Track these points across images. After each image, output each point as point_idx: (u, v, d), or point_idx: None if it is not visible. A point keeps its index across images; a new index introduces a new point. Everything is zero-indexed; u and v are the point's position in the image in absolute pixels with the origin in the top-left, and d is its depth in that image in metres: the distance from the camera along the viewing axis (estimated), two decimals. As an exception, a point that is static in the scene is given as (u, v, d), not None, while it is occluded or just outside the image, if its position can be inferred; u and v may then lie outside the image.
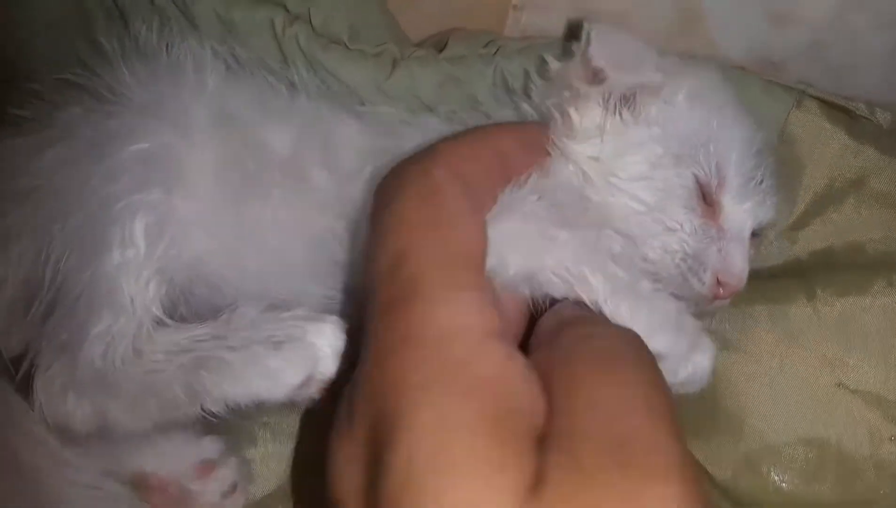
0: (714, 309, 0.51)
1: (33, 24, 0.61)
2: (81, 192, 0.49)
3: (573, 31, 0.55)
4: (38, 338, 0.48)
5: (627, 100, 0.50)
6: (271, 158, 0.54)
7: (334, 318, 0.48)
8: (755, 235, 0.52)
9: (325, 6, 0.58)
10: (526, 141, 0.47)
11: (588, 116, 0.50)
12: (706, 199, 0.49)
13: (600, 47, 0.49)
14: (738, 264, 0.48)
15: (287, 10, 0.58)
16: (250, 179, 0.53)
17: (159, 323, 0.49)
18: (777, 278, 0.57)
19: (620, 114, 0.50)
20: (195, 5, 0.57)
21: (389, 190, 0.40)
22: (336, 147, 0.55)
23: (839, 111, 0.57)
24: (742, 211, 0.50)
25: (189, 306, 0.52)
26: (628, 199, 0.48)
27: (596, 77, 0.50)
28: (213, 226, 0.52)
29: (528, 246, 0.42)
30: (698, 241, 0.48)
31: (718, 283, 0.47)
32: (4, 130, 0.52)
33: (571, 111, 0.50)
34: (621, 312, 0.41)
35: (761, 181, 0.50)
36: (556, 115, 0.50)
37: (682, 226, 0.48)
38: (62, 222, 0.48)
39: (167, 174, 0.51)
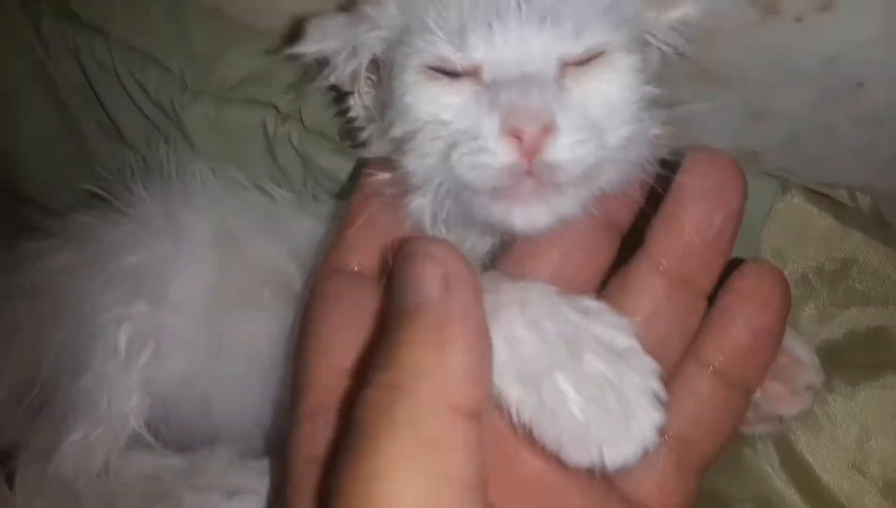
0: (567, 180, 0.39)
1: (27, 143, 0.61)
2: (75, 300, 0.51)
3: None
4: (24, 435, 0.49)
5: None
6: (266, 273, 0.55)
7: None
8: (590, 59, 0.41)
9: (315, 104, 0.59)
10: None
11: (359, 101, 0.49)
12: (450, 71, 0.41)
13: (308, 39, 0.47)
14: (513, 100, 0.38)
15: (278, 111, 0.59)
16: (244, 294, 0.54)
17: (137, 438, 0.50)
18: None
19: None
20: (185, 112, 0.57)
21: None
22: (311, 250, 0.56)
23: (823, 197, 0.59)
24: (498, 51, 0.40)
25: (171, 425, 0.52)
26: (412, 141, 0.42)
27: (323, 66, 0.47)
28: (202, 341, 0.53)
29: None
30: (458, 123, 0.40)
31: (517, 138, 0.37)
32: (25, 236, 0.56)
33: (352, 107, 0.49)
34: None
35: (520, 5, 0.40)
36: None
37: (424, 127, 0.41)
38: (56, 327, 0.51)
39: (156, 287, 0.52)
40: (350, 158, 0.59)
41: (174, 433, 0.53)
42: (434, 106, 0.42)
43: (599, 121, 0.40)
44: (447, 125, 0.41)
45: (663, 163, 0.44)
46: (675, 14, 0.46)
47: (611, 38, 0.42)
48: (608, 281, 0.44)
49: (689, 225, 0.41)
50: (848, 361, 0.56)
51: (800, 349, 0.51)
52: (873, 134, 0.58)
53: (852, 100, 0.56)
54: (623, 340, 0.36)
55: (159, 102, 0.59)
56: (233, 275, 0.55)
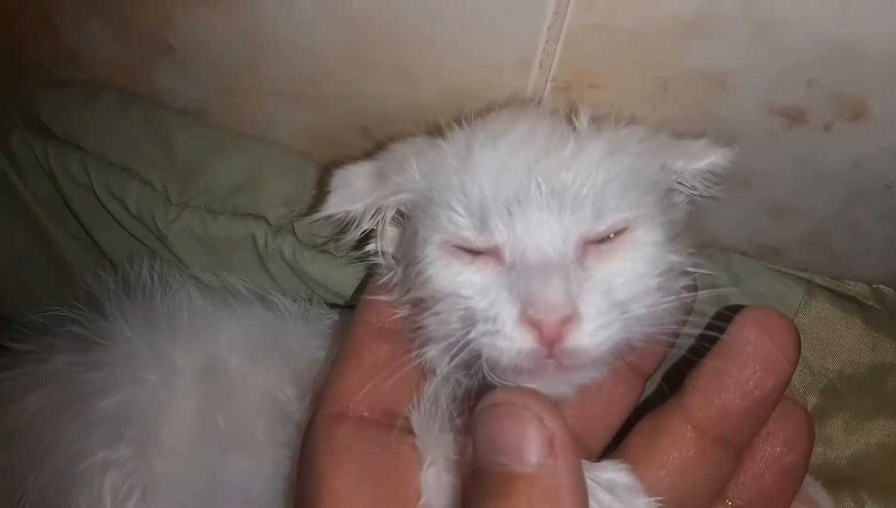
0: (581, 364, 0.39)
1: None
2: (55, 445, 0.48)
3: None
4: None
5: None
6: (259, 403, 0.51)
7: None
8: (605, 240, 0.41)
9: (309, 218, 0.55)
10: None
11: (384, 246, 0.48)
12: (472, 249, 0.42)
13: (333, 201, 0.47)
14: (536, 291, 0.37)
15: (269, 224, 0.55)
16: (235, 431, 0.50)
17: None
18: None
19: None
20: (170, 228, 0.53)
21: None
22: (310, 373, 0.53)
23: (849, 300, 0.56)
24: (518, 235, 0.40)
25: None
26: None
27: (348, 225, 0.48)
28: (193, 482, 0.49)
29: None
30: (478, 301, 0.40)
31: (537, 328, 0.37)
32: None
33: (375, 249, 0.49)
34: None
35: (539, 188, 0.40)
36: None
37: (444, 302, 0.41)
38: (36, 473, 0.48)
39: (141, 429, 0.49)
40: (348, 270, 0.55)
41: None
42: (454, 283, 0.41)
43: (624, 298, 0.40)
44: (467, 300, 0.41)
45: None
46: (702, 164, 0.46)
47: (632, 213, 0.41)
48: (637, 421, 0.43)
49: (735, 385, 0.39)
50: (879, 476, 0.53)
51: (818, 496, 0.49)
52: (900, 229, 0.55)
53: (879, 200, 0.53)
54: None
55: (141, 218, 0.54)
56: (221, 411, 0.51)
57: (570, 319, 0.37)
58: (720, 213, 0.55)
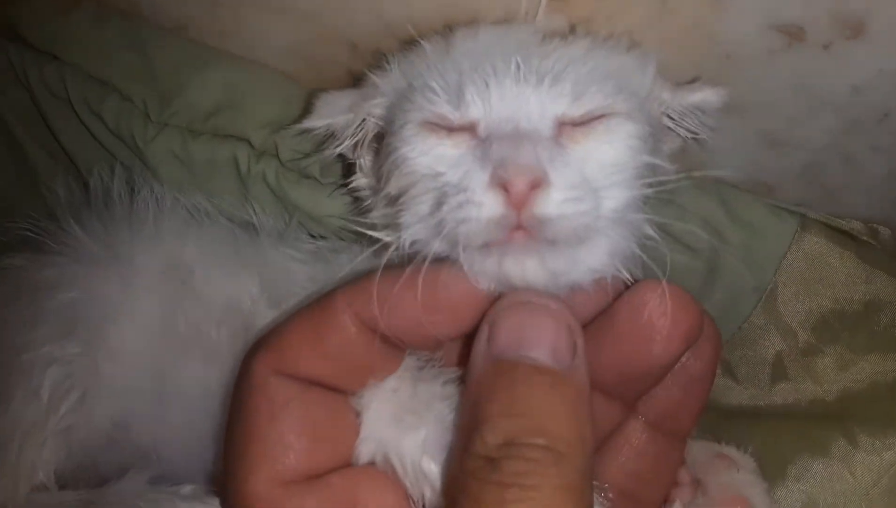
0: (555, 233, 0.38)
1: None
2: (1, 338, 0.47)
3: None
4: None
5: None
6: (221, 311, 0.50)
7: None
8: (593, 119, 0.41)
9: (293, 140, 0.53)
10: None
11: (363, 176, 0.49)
12: (447, 126, 0.41)
13: (317, 114, 0.48)
14: (504, 154, 0.37)
15: (252, 146, 0.53)
16: (194, 334, 0.49)
17: (42, 489, 0.45)
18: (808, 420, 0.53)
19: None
20: (149, 146, 0.52)
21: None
22: (284, 285, 0.52)
23: (844, 235, 0.55)
24: (493, 108, 0.40)
25: (95, 472, 0.48)
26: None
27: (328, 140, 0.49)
28: (142, 386, 0.48)
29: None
30: (451, 176, 0.39)
31: (507, 192, 0.36)
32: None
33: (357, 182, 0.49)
34: None
35: (518, 66, 0.41)
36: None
37: (420, 180, 0.41)
38: None
39: (92, 327, 0.47)
40: (332, 197, 0.54)
41: (106, 476, 0.47)
42: (429, 158, 0.41)
43: (595, 182, 0.39)
44: (440, 177, 0.40)
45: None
46: (693, 98, 0.46)
47: (611, 102, 0.41)
48: None
49: (622, 353, 0.39)
50: (872, 413, 0.52)
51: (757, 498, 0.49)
52: (895, 164, 0.54)
53: (876, 130, 0.52)
54: None
55: (119, 133, 0.53)
56: (182, 312, 0.50)
57: (539, 183, 0.36)
58: (714, 143, 0.54)
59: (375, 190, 0.48)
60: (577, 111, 0.41)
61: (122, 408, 0.48)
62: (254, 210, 0.54)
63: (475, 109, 0.41)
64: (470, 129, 0.41)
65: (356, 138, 0.48)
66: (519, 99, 0.40)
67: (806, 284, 0.55)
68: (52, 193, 0.52)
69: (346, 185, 0.51)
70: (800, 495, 0.51)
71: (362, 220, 0.48)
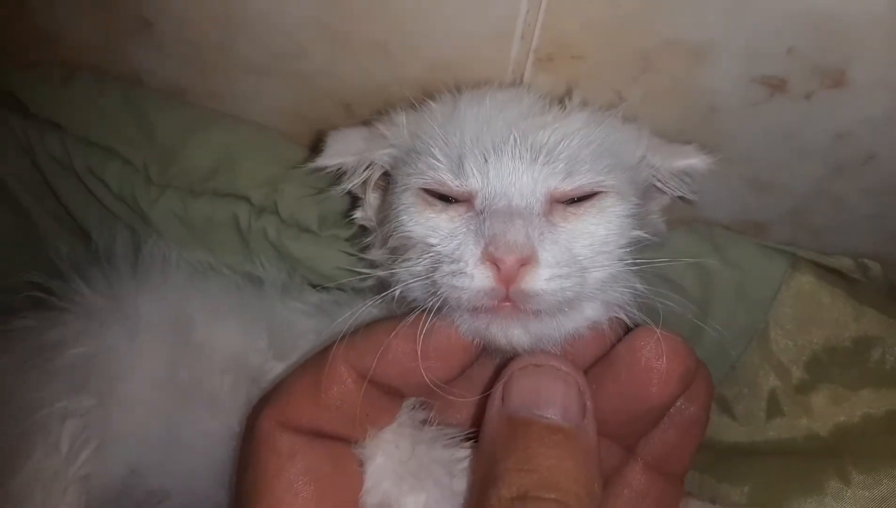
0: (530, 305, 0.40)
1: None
2: (16, 393, 0.49)
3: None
4: None
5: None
6: (227, 363, 0.51)
7: None
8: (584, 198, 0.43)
9: (292, 197, 0.54)
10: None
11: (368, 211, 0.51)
12: (449, 198, 0.44)
13: (328, 153, 0.50)
14: (496, 231, 0.39)
15: (252, 204, 0.54)
16: (200, 386, 0.50)
17: None
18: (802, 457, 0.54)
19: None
20: (152, 208, 0.53)
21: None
22: (290, 337, 0.53)
23: (833, 273, 0.56)
24: (490, 182, 0.42)
25: None
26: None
27: (341, 176, 0.51)
28: (154, 435, 0.50)
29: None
30: (445, 246, 0.42)
31: (497, 267, 0.39)
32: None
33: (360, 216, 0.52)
34: None
35: (516, 142, 0.43)
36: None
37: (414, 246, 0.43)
38: None
39: (104, 380, 0.49)
40: (332, 250, 0.55)
41: None
42: (424, 229, 0.44)
43: (583, 260, 0.41)
44: (436, 246, 0.43)
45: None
46: (680, 163, 0.48)
47: (603, 180, 0.43)
48: None
49: (618, 396, 0.41)
50: (865, 447, 0.53)
51: None
52: (883, 203, 0.55)
53: (862, 173, 0.53)
54: None
55: (123, 197, 0.54)
56: (186, 365, 0.51)
57: (528, 261, 0.39)
58: (703, 188, 0.55)
59: (379, 225, 0.50)
60: (568, 186, 0.43)
61: (135, 456, 0.50)
62: (260, 264, 0.55)
63: (474, 181, 0.43)
64: (468, 200, 0.43)
65: (364, 178, 0.50)
66: (513, 175, 0.42)
67: (797, 322, 0.56)
68: (57, 254, 0.53)
69: (350, 218, 0.54)
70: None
71: (363, 256, 0.51)
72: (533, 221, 0.41)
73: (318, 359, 0.41)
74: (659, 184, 0.49)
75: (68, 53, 0.55)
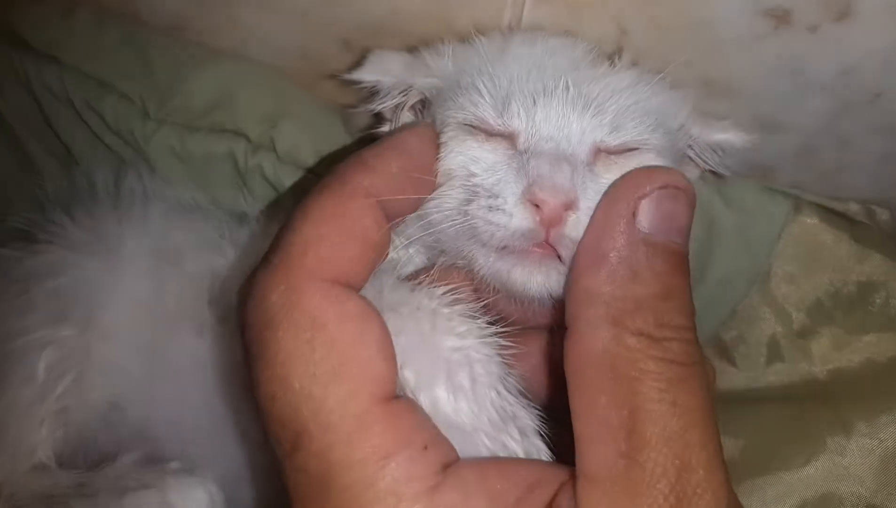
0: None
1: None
2: None
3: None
4: None
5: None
6: (214, 289, 0.51)
7: (210, 482, 0.46)
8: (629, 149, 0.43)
9: (289, 133, 0.54)
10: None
11: None
12: (492, 131, 0.43)
13: (367, 69, 0.49)
14: (542, 172, 0.39)
15: (249, 141, 0.54)
16: (185, 313, 0.50)
17: (41, 468, 0.46)
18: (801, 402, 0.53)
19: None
20: (149, 143, 0.53)
21: (255, 317, 0.33)
22: None
23: (838, 216, 0.55)
24: (537, 124, 0.42)
25: (89, 452, 0.49)
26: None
27: (375, 95, 0.50)
28: (136, 365, 0.49)
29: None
30: (485, 178, 0.41)
31: (536, 206, 0.38)
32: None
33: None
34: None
35: (567, 88, 0.42)
36: None
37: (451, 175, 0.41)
38: None
39: (84, 309, 0.48)
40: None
41: (107, 453, 0.49)
42: (465, 158, 0.42)
43: None
44: (473, 177, 0.41)
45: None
46: (717, 136, 0.49)
47: (647, 138, 0.43)
48: None
49: None
50: (866, 393, 0.52)
51: None
52: (891, 145, 0.54)
53: (869, 111, 0.52)
54: None
55: (119, 131, 0.54)
56: (172, 290, 0.51)
57: (571, 206, 0.38)
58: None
59: None
60: (613, 141, 0.43)
61: (115, 388, 0.49)
62: (244, 199, 0.55)
63: (517, 121, 0.42)
64: (509, 137, 0.42)
65: (397, 101, 0.49)
66: (562, 121, 0.42)
67: (800, 265, 0.55)
68: (42, 189, 0.53)
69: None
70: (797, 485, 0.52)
71: None
72: (578, 167, 0.40)
73: (333, 196, 0.34)
74: (692, 155, 0.49)
75: (69, -11, 0.55)
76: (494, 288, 0.42)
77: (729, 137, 0.48)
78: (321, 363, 0.31)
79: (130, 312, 0.49)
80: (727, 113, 0.52)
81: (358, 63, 0.51)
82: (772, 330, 0.56)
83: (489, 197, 0.40)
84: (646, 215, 0.35)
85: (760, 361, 0.57)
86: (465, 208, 0.40)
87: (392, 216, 0.36)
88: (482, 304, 0.41)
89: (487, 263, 0.40)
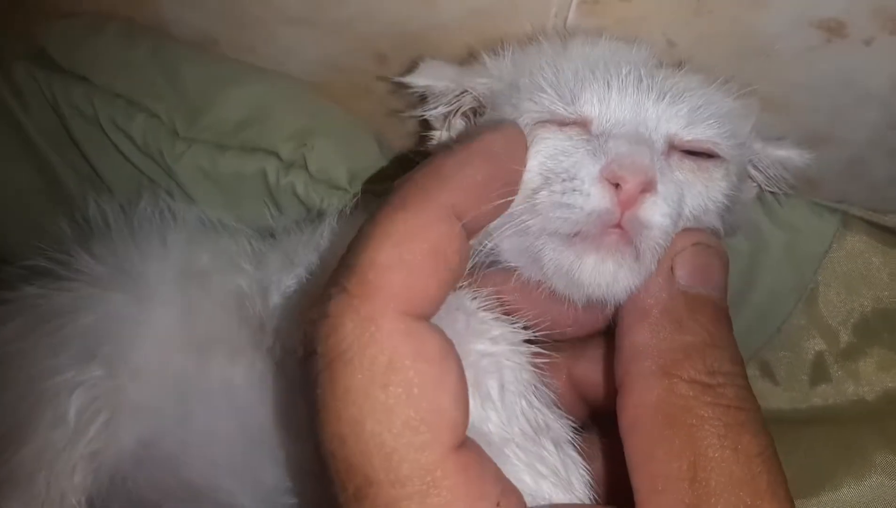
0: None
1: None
2: (23, 366, 0.46)
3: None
4: None
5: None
6: (244, 309, 0.49)
7: None
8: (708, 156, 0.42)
9: (322, 152, 0.53)
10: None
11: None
12: (564, 121, 0.41)
13: (420, 73, 0.48)
14: (622, 151, 0.37)
15: (280, 159, 0.53)
16: (216, 336, 0.48)
17: None
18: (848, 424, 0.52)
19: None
20: (178, 163, 0.52)
21: (325, 349, 0.29)
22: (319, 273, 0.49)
23: (886, 232, 0.53)
24: (612, 109, 0.40)
25: (133, 489, 0.47)
26: None
27: (425, 101, 0.49)
28: (167, 400, 0.48)
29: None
30: (560, 161, 0.39)
31: (616, 187, 0.36)
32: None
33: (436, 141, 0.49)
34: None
35: (640, 77, 0.41)
36: None
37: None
38: (4, 388, 0.46)
39: (113, 348, 0.47)
40: (361, 205, 0.53)
41: (142, 494, 0.47)
42: (534, 146, 0.40)
43: (687, 216, 0.40)
44: (542, 164, 0.39)
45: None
46: (780, 152, 0.48)
47: (720, 142, 0.42)
48: None
49: None
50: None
51: None
52: (943, 157, 0.52)
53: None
54: None
55: (148, 151, 0.53)
56: (201, 315, 0.49)
57: (649, 189, 0.37)
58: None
59: None
60: (687, 135, 0.41)
61: (147, 427, 0.48)
62: (271, 214, 0.54)
63: (590, 108, 0.40)
64: (581, 124, 0.41)
65: (450, 108, 0.48)
66: (638, 107, 0.40)
67: (847, 283, 0.54)
68: (69, 212, 0.52)
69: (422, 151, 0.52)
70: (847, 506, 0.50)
71: None
72: (656, 152, 0.39)
73: (413, 221, 0.31)
74: (753, 170, 0.48)
75: (98, 4, 0.54)
76: (547, 291, 0.39)
77: (791, 154, 0.47)
78: (396, 408, 0.29)
79: (161, 345, 0.48)
80: (775, 125, 0.51)
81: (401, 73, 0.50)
82: (818, 349, 0.55)
83: (563, 180, 0.38)
84: (682, 268, 0.37)
85: (804, 380, 0.55)
86: (535, 199, 0.38)
87: (473, 232, 0.34)
88: (525, 312, 0.40)
89: (556, 255, 0.38)
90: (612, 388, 0.37)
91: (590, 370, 0.42)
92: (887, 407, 0.53)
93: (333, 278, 0.31)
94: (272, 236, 0.54)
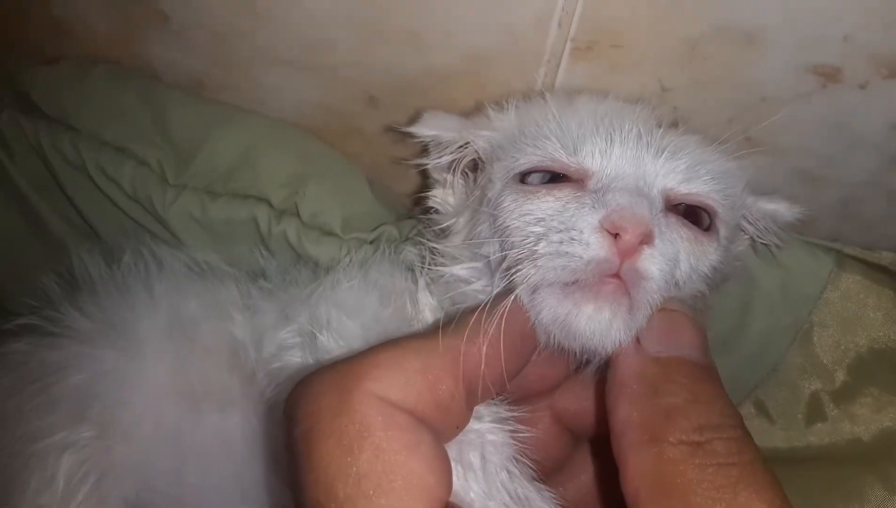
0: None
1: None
2: (10, 426, 0.45)
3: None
4: None
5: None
6: (234, 356, 0.48)
7: None
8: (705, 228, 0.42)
9: (314, 197, 0.52)
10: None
11: (448, 196, 0.50)
12: (566, 178, 0.42)
13: (425, 124, 0.49)
14: (622, 202, 0.38)
15: (271, 206, 0.52)
16: (206, 387, 0.48)
17: None
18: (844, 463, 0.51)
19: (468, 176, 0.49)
20: (169, 211, 0.51)
21: (302, 417, 0.31)
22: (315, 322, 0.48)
23: (880, 271, 0.53)
24: (612, 164, 0.41)
25: None
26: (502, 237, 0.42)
27: (428, 151, 0.50)
28: (160, 457, 0.47)
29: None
30: (553, 217, 0.39)
31: (614, 236, 0.37)
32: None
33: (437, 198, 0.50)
34: None
35: (641, 134, 0.42)
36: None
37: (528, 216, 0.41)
38: None
39: (103, 408, 0.46)
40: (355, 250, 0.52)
41: None
42: (532, 206, 0.41)
43: (680, 273, 0.40)
44: (542, 222, 0.40)
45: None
46: (769, 206, 0.49)
47: (716, 199, 0.43)
48: None
49: None
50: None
51: None
52: (937, 196, 0.52)
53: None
54: None
55: (138, 199, 0.52)
56: (192, 367, 0.48)
57: (648, 241, 0.37)
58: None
59: (457, 217, 0.48)
60: (685, 189, 0.42)
61: (139, 484, 0.47)
62: (261, 256, 0.53)
63: (591, 161, 0.41)
64: (578, 181, 0.41)
65: (453, 158, 0.49)
66: (638, 161, 0.41)
67: (842, 323, 0.53)
68: (58, 264, 0.50)
69: (422, 201, 0.52)
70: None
71: (440, 247, 0.47)
72: (655, 207, 0.39)
73: (431, 347, 0.34)
74: (746, 224, 0.49)
75: (84, 47, 0.53)
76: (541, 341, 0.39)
77: (780, 208, 0.48)
78: (369, 473, 0.30)
79: (152, 400, 0.47)
80: (769, 168, 0.51)
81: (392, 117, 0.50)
82: (813, 388, 0.54)
83: (560, 232, 0.38)
84: (648, 335, 0.37)
85: (799, 419, 0.55)
86: (535, 248, 0.38)
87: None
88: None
89: (550, 305, 0.38)
90: (596, 414, 0.41)
91: (570, 401, 0.43)
92: (883, 447, 0.53)
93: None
94: (264, 277, 0.53)
